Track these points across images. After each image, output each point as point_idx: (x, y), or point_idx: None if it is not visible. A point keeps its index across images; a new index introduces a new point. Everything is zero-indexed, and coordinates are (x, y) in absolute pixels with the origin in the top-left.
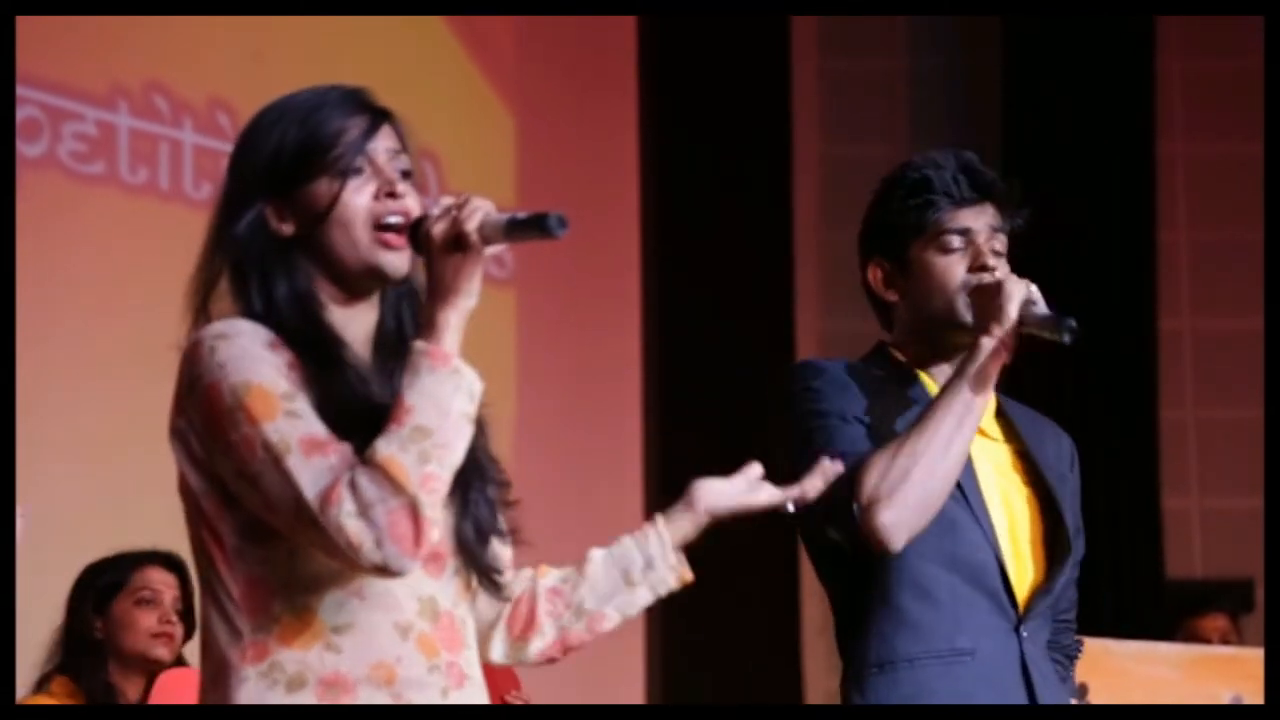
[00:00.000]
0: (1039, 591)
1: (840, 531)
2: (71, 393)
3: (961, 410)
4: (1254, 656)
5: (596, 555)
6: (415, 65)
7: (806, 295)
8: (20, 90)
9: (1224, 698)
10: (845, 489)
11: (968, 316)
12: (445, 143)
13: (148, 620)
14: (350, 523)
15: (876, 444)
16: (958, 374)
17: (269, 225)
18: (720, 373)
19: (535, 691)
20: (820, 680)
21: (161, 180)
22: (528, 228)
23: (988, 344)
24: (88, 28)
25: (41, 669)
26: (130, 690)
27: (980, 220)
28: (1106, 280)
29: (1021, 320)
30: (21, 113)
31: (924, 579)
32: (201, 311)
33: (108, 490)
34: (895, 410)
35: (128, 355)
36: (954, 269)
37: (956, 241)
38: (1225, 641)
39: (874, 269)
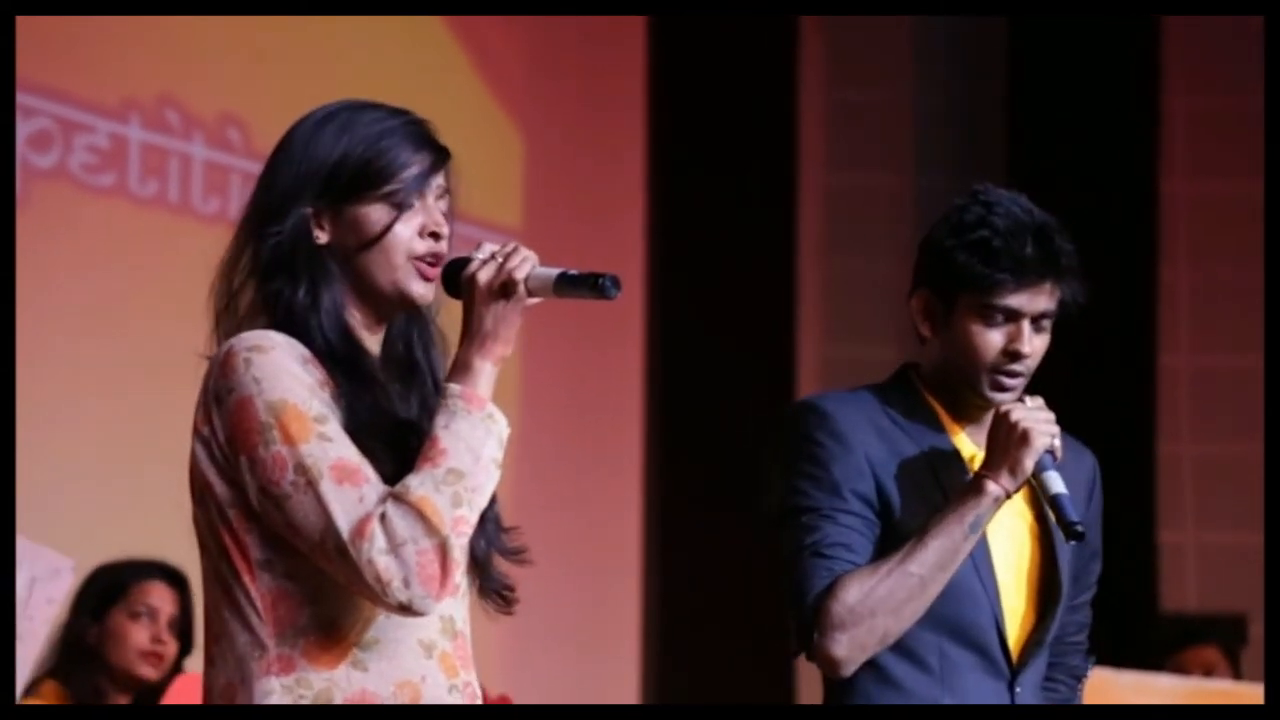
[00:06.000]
0: (1031, 643)
1: (795, 643)
2: (77, 403)
3: (949, 557)
4: (1252, 692)
5: None
6: (424, 83)
7: (809, 322)
8: (34, 101)
9: None
10: (809, 611)
11: (986, 391)
12: (453, 160)
13: (139, 637)
14: (381, 559)
15: (878, 504)
16: (956, 513)
17: (310, 231)
18: (721, 398)
19: (530, 693)
20: (812, 690)
21: (171, 193)
22: (580, 285)
23: (993, 493)
24: (101, 39)
25: (37, 671)
26: (120, 700)
27: (1033, 303)
28: (1107, 315)
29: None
30: (34, 124)
31: (912, 641)
32: (228, 307)
33: (114, 503)
34: (909, 460)
35: (134, 367)
36: (991, 343)
37: (1001, 318)
38: (1209, 674)
39: (918, 299)
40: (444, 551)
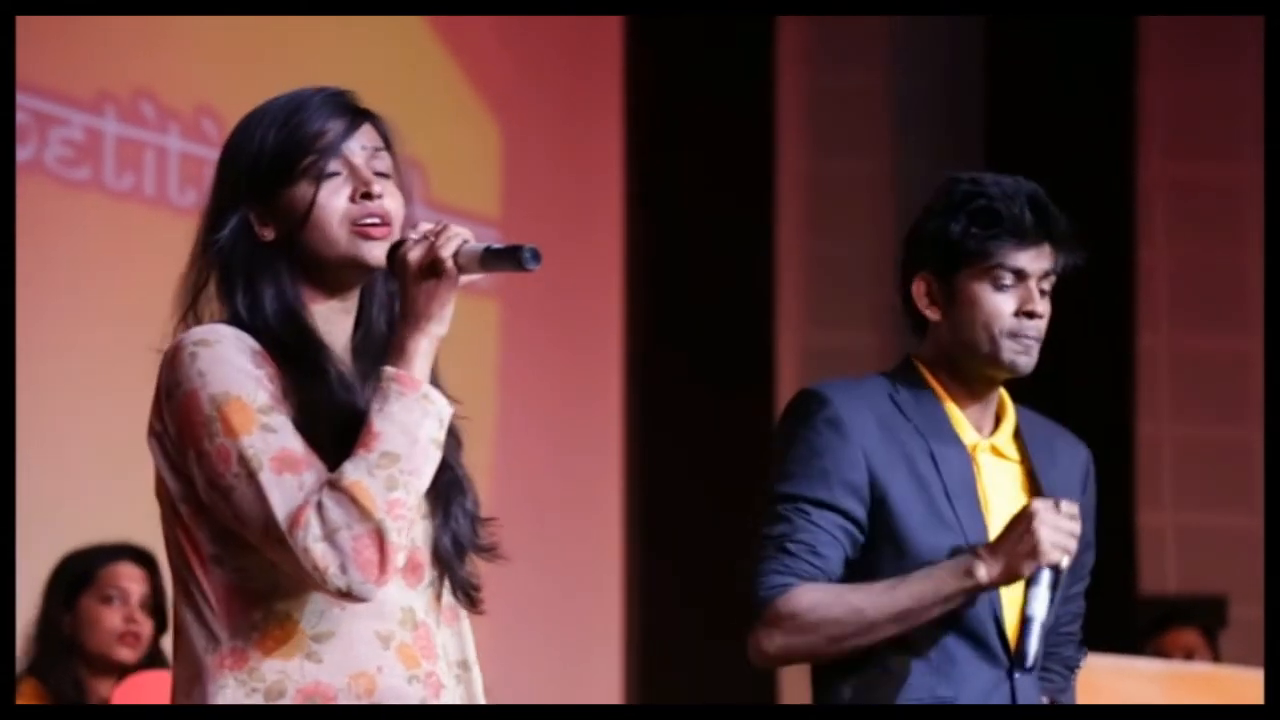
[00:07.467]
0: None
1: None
2: (54, 396)
3: (912, 619)
4: (1232, 675)
5: None
6: (402, 76)
7: (788, 310)
8: None
9: None
10: (757, 600)
11: (1007, 356)
12: (430, 152)
13: (112, 620)
14: (316, 546)
15: (871, 494)
16: (936, 581)
17: (252, 231)
18: (701, 386)
19: (513, 692)
20: (795, 690)
21: (147, 186)
22: (502, 258)
23: (980, 580)
24: (78, 34)
25: (18, 668)
26: (101, 689)
27: (1037, 263)
28: (1086, 296)
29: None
30: None
31: (909, 632)
32: (189, 315)
33: (91, 496)
34: (909, 447)
35: (111, 360)
36: (1003, 306)
37: (1010, 279)
38: (1189, 657)
39: (919, 283)
40: (380, 536)
